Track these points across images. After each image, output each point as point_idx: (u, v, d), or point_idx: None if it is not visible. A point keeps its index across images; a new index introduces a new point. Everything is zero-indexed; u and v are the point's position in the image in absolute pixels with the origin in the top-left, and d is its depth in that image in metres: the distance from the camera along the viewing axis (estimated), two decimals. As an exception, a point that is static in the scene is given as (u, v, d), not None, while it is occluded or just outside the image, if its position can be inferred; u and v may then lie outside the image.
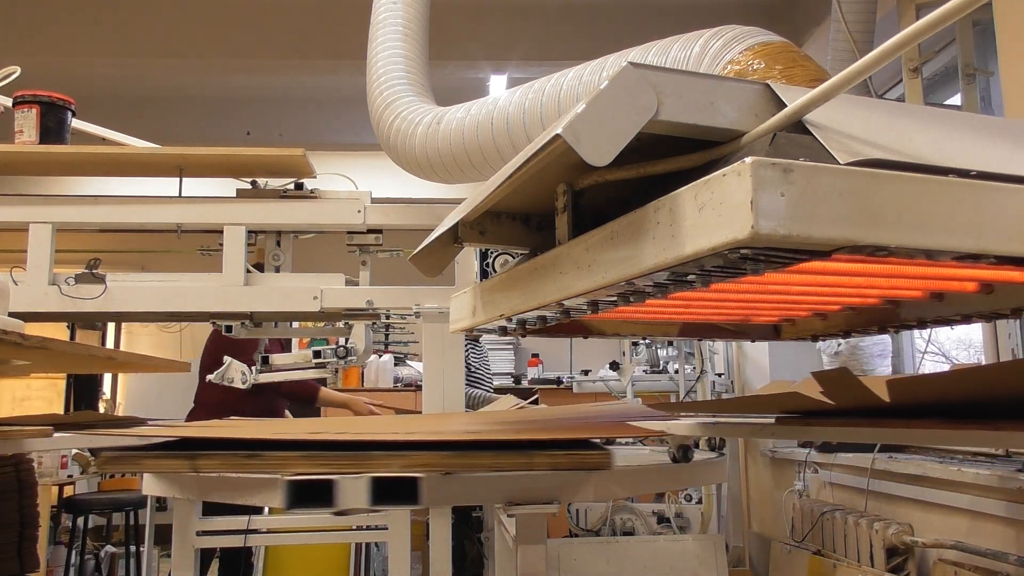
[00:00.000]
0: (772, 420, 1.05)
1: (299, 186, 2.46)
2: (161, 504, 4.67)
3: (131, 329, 7.27)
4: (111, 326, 6.93)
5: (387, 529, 2.75)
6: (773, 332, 1.34)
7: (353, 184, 2.58)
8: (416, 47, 2.58)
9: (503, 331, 1.22)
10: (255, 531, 2.87)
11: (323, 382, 4.58)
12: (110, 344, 6.91)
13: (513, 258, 2.96)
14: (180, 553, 2.29)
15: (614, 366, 4.96)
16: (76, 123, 2.49)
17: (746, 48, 1.32)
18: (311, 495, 0.58)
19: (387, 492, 0.61)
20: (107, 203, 2.39)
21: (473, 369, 4.25)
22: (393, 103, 2.40)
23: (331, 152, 5.34)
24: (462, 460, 0.72)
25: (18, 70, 2.46)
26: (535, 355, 6.84)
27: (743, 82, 0.81)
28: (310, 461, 0.61)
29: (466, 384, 4.19)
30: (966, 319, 1.04)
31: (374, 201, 2.48)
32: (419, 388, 4.43)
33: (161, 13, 4.64)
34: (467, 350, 4.25)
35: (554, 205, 0.98)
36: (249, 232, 2.40)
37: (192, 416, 3.61)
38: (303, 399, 3.75)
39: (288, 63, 4.81)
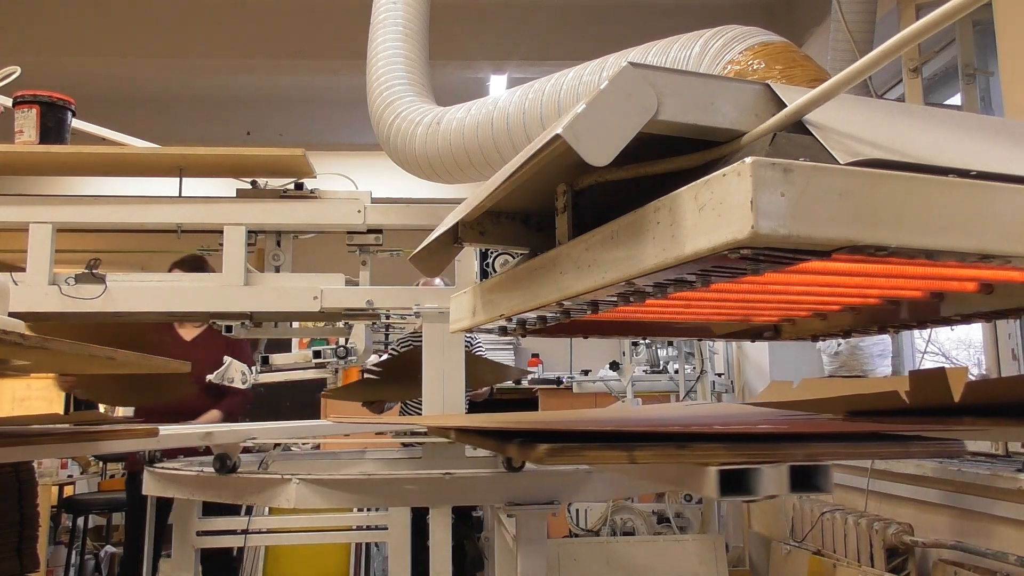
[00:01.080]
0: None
1: (299, 186, 2.46)
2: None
3: (131, 329, 7.26)
4: (111, 326, 6.91)
5: (387, 529, 2.75)
6: (773, 332, 1.34)
7: (353, 184, 2.58)
8: (416, 47, 2.58)
9: (503, 331, 1.22)
10: (256, 531, 2.88)
11: (323, 382, 4.55)
12: (110, 344, 6.90)
13: (513, 258, 2.96)
14: (180, 553, 2.30)
15: (614, 366, 4.96)
16: (76, 123, 2.49)
17: (746, 48, 1.32)
18: (737, 483, 0.62)
19: (801, 480, 0.64)
20: (107, 203, 2.39)
21: None
22: (393, 103, 2.40)
23: (331, 152, 5.34)
24: (854, 450, 0.73)
25: (18, 70, 2.46)
26: (535, 355, 6.85)
27: (743, 82, 0.81)
28: (730, 451, 0.64)
29: None
30: (966, 319, 1.04)
31: (374, 201, 2.48)
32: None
33: (161, 13, 4.64)
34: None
35: (554, 205, 0.98)
36: (249, 232, 2.40)
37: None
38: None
39: (288, 63, 4.81)
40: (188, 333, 3.59)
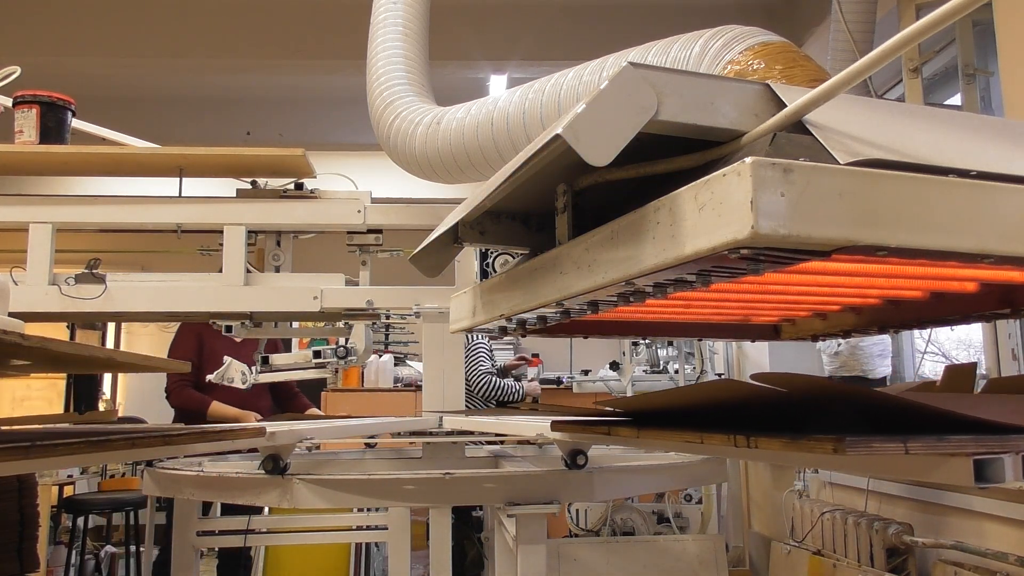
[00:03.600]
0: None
1: (299, 186, 2.46)
2: (161, 504, 4.67)
3: (131, 329, 7.27)
4: (111, 326, 6.93)
5: (387, 529, 2.75)
6: (773, 332, 1.34)
7: (353, 184, 2.57)
8: (416, 47, 2.58)
9: (503, 331, 1.22)
10: (255, 531, 2.88)
11: (323, 382, 4.57)
12: (110, 344, 6.91)
13: (513, 258, 2.96)
14: (180, 553, 2.29)
15: (614, 366, 4.96)
16: (76, 123, 2.49)
17: (746, 48, 1.32)
18: (985, 471, 0.65)
19: None
20: (107, 203, 2.39)
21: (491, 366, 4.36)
22: (393, 103, 2.40)
23: (331, 152, 5.34)
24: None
25: (18, 70, 2.46)
26: (535, 355, 6.84)
27: (743, 82, 0.81)
28: (976, 443, 0.67)
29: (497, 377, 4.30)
30: (966, 319, 1.04)
31: (374, 201, 2.48)
32: (419, 388, 4.44)
33: (161, 13, 4.64)
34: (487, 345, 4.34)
35: (554, 205, 0.99)
36: (249, 232, 2.40)
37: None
38: (191, 413, 3.58)
39: (288, 63, 4.81)
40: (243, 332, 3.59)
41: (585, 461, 1.74)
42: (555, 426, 1.39)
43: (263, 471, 1.70)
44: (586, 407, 1.39)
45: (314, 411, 3.87)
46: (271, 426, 1.75)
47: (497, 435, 2.41)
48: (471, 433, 2.40)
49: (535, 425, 1.81)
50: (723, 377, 4.86)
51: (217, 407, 3.52)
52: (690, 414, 0.94)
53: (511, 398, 4.45)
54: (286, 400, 3.83)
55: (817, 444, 0.68)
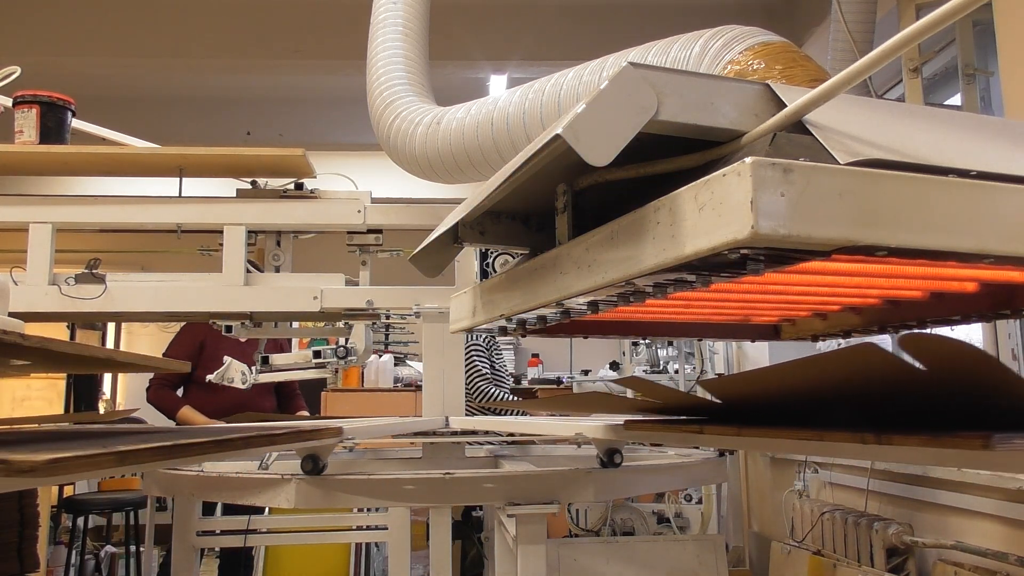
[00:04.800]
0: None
1: (299, 186, 2.46)
2: (161, 504, 4.67)
3: (131, 329, 7.27)
4: (111, 326, 6.93)
5: (387, 529, 2.75)
6: (773, 332, 1.34)
7: (353, 184, 2.58)
8: (416, 47, 2.58)
9: (503, 331, 1.22)
10: (255, 531, 2.88)
11: (323, 382, 4.58)
12: (110, 344, 6.92)
13: (513, 258, 2.96)
14: (180, 553, 2.29)
15: (614, 366, 4.96)
16: (76, 123, 2.49)
17: (746, 48, 1.32)
18: None
19: None
20: (107, 203, 2.39)
21: (497, 369, 4.30)
22: (393, 103, 2.40)
23: (331, 152, 5.34)
24: None
25: (18, 70, 2.46)
26: (535, 355, 6.85)
27: (743, 82, 0.81)
28: None
29: (494, 385, 4.23)
30: (966, 319, 1.04)
31: (374, 201, 2.48)
32: (419, 388, 4.43)
33: (161, 13, 4.64)
34: (491, 350, 4.29)
35: (554, 205, 0.99)
36: (249, 232, 2.40)
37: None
38: (163, 412, 3.65)
39: (288, 63, 4.81)
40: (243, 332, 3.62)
41: (621, 459, 1.70)
42: (629, 426, 1.30)
43: (301, 471, 1.69)
44: (627, 403, 1.27)
45: (302, 414, 3.86)
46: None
47: (519, 434, 2.40)
48: (475, 432, 2.39)
49: (573, 424, 1.78)
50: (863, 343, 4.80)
51: (187, 412, 3.52)
52: (779, 401, 0.89)
53: (504, 411, 4.33)
54: (287, 401, 3.84)
55: (963, 441, 0.64)
